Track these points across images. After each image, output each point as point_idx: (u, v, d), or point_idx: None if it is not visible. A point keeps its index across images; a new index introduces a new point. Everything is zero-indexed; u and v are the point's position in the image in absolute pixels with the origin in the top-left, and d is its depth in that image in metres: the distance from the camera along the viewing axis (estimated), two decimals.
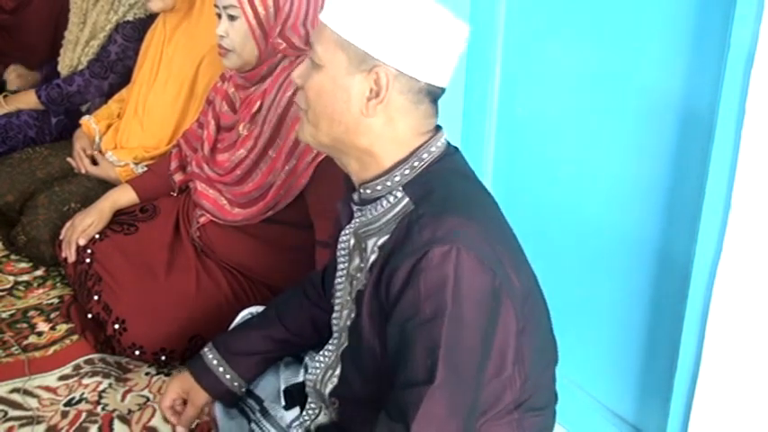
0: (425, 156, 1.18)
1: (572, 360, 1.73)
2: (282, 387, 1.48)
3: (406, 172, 1.18)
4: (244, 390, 1.51)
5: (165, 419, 1.58)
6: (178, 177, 2.21)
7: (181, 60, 2.40)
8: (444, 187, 1.16)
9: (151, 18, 2.59)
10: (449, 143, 1.24)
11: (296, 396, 1.43)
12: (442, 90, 1.20)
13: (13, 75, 3.02)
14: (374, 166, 1.20)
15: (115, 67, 2.70)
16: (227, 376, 1.49)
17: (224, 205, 2.00)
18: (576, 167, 1.68)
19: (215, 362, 1.49)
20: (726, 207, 1.24)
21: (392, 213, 1.17)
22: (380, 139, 1.18)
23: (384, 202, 1.19)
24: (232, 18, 1.81)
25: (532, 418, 1.25)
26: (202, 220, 2.05)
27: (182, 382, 1.52)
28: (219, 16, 1.84)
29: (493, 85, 1.86)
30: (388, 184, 1.18)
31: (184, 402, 1.52)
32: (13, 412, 1.82)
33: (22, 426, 1.78)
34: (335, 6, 1.15)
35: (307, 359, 1.49)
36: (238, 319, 1.62)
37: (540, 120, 1.76)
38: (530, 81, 1.77)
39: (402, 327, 1.11)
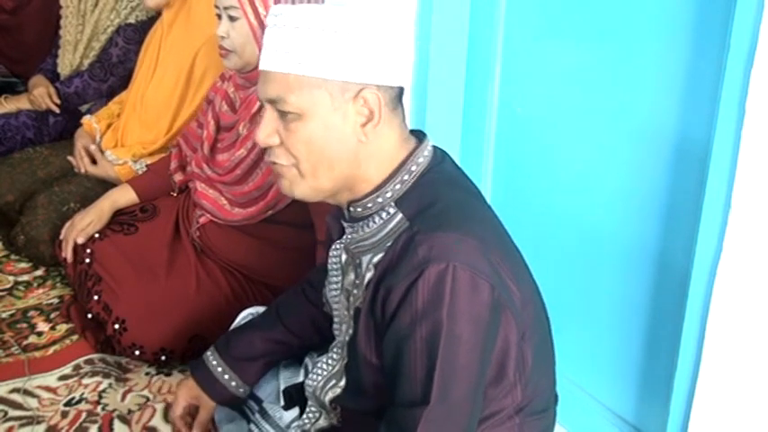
0: (414, 168, 1.16)
1: (572, 360, 1.73)
2: (282, 387, 1.48)
3: (397, 187, 1.16)
4: (247, 393, 1.51)
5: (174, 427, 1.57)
6: (178, 177, 2.21)
7: (177, 52, 2.41)
8: (438, 200, 1.14)
9: (152, 21, 2.60)
10: (436, 148, 1.22)
11: (295, 396, 1.43)
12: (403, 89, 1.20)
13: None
14: (365, 188, 1.17)
15: (115, 69, 2.70)
16: (233, 383, 1.49)
17: (224, 205, 2.00)
18: (576, 167, 1.68)
19: (219, 369, 1.49)
20: (726, 205, 1.24)
21: (386, 230, 1.15)
22: (374, 160, 1.15)
23: (377, 219, 1.17)
24: (233, 19, 1.81)
25: (533, 421, 1.25)
26: (202, 220, 2.05)
27: (190, 390, 1.52)
28: (220, 17, 1.85)
29: (493, 85, 1.86)
30: (380, 200, 1.16)
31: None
32: (13, 412, 1.82)
33: (22, 426, 1.78)
34: (290, 58, 1.09)
35: (307, 360, 1.49)
36: (238, 320, 1.61)
37: (539, 120, 1.76)
38: (529, 81, 1.77)
39: (398, 345, 1.11)
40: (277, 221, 1.96)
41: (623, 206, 1.58)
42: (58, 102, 2.73)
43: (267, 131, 1.15)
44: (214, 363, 1.50)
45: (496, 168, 1.91)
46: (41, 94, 2.72)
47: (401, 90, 1.17)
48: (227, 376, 1.48)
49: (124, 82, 2.68)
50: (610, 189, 1.61)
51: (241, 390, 1.49)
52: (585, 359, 1.73)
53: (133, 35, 2.67)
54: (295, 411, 1.43)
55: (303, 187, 1.17)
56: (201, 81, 2.37)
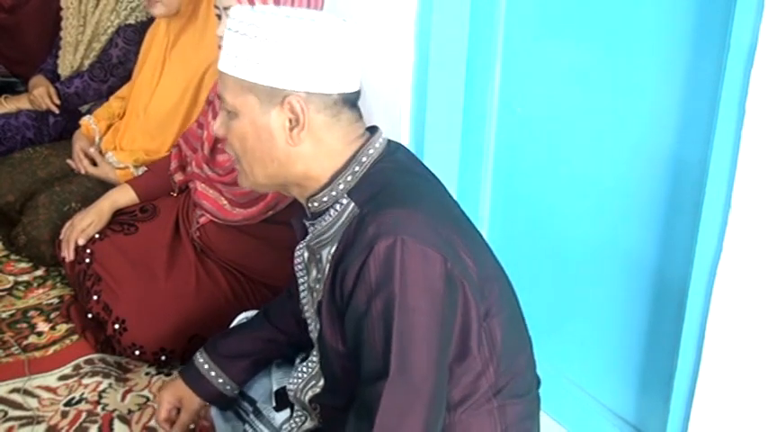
0: (365, 159, 1.20)
1: (572, 360, 1.74)
2: (274, 388, 1.49)
3: (349, 178, 1.19)
4: (236, 392, 1.52)
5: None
6: (178, 177, 2.21)
7: (186, 66, 2.39)
8: (387, 184, 1.17)
9: (153, 21, 2.59)
10: (390, 141, 1.25)
11: (287, 397, 1.44)
12: (357, 93, 1.22)
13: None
14: (315, 184, 1.21)
15: (116, 70, 2.70)
16: (220, 380, 1.50)
17: (224, 205, 2.00)
18: (576, 166, 1.68)
19: (206, 366, 1.51)
20: (726, 205, 1.24)
21: (341, 221, 1.18)
22: (314, 161, 1.19)
23: (332, 212, 1.20)
24: None
25: (514, 405, 1.25)
26: (202, 220, 2.05)
27: (174, 390, 1.54)
28: (219, 17, 1.84)
29: (493, 85, 1.86)
30: (333, 193, 1.19)
31: (179, 411, 1.54)
32: (13, 412, 1.82)
33: (22, 426, 1.78)
34: (227, 54, 1.17)
35: (297, 361, 1.50)
36: (236, 323, 1.62)
37: (539, 120, 1.76)
38: (529, 81, 1.77)
39: (357, 324, 1.12)
40: (277, 221, 1.96)
41: (623, 205, 1.58)
42: (57, 102, 2.73)
43: (219, 123, 1.24)
44: (201, 361, 1.52)
45: (496, 168, 1.91)
46: (41, 94, 2.72)
47: (346, 95, 1.19)
48: (213, 373, 1.50)
49: (124, 83, 2.67)
50: (609, 190, 1.61)
51: (228, 387, 1.50)
52: (585, 359, 1.73)
53: (133, 36, 2.66)
54: (287, 412, 1.44)
55: (245, 180, 1.26)
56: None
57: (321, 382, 1.30)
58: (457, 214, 1.25)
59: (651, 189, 1.51)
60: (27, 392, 1.88)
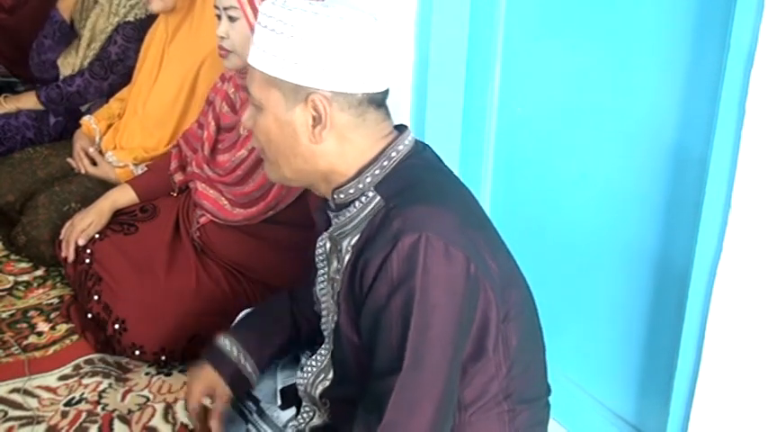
0: (394, 154, 1.20)
1: (572, 360, 1.74)
2: (279, 387, 1.49)
3: (377, 172, 1.19)
4: (255, 378, 1.49)
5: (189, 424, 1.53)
6: (178, 177, 2.21)
7: (182, 61, 2.40)
8: (415, 181, 1.17)
9: (151, 18, 2.59)
10: (417, 140, 1.25)
11: (292, 396, 1.44)
12: (385, 93, 1.21)
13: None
14: (341, 178, 1.21)
15: (115, 67, 2.70)
16: (247, 365, 1.47)
17: (225, 205, 2.00)
18: (576, 166, 1.68)
19: (235, 352, 1.47)
20: (726, 205, 1.24)
21: (365, 212, 1.18)
22: (339, 158, 1.19)
23: (357, 203, 1.19)
24: (232, 19, 1.81)
25: (524, 410, 1.25)
26: (203, 220, 2.05)
27: (205, 381, 1.48)
28: (219, 17, 1.84)
29: (493, 85, 1.86)
30: (360, 186, 1.19)
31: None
32: (13, 412, 1.82)
33: (22, 426, 1.78)
34: (256, 48, 1.17)
35: (303, 359, 1.49)
36: (238, 321, 1.62)
37: (539, 120, 1.76)
38: (529, 81, 1.77)
39: (375, 317, 1.12)
40: (278, 221, 1.96)
41: (623, 205, 1.58)
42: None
43: (247, 115, 1.24)
44: (228, 347, 1.48)
45: (496, 168, 1.91)
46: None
47: (372, 95, 1.18)
48: (242, 359, 1.47)
49: (125, 80, 2.67)
50: (610, 188, 1.61)
51: (250, 371, 1.47)
52: (585, 359, 1.73)
53: (132, 33, 2.66)
54: (292, 411, 1.44)
55: (272, 173, 1.27)
56: (206, 92, 2.36)
57: (330, 375, 1.30)
58: (481, 216, 1.25)
59: (651, 190, 1.51)
60: (27, 392, 1.88)
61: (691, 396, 1.36)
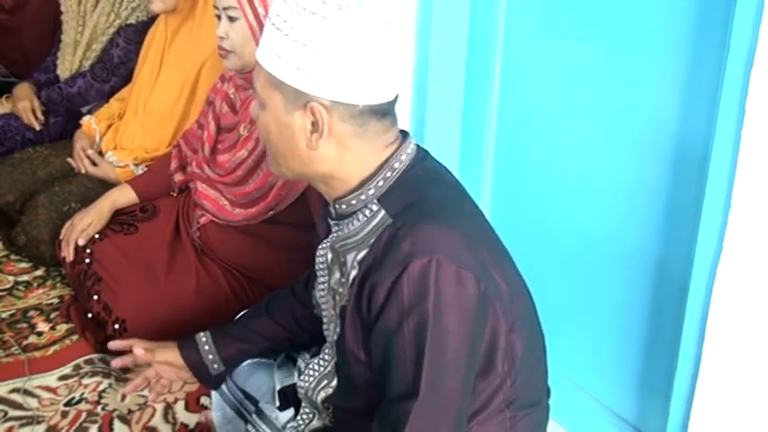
0: (397, 165, 1.18)
1: (572, 360, 1.74)
2: (278, 388, 1.49)
3: (380, 184, 1.17)
4: (219, 372, 1.56)
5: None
6: (178, 177, 2.21)
7: (182, 62, 2.40)
8: (420, 197, 1.15)
9: (153, 21, 2.59)
10: (418, 146, 1.23)
11: (290, 397, 1.44)
12: (390, 103, 1.17)
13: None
14: (342, 186, 1.19)
15: (117, 70, 2.70)
16: (210, 356, 1.56)
17: (225, 205, 2.00)
18: (576, 167, 1.68)
19: (203, 339, 1.57)
20: (726, 206, 1.24)
21: (370, 227, 1.16)
22: (339, 164, 1.17)
23: (360, 216, 1.18)
24: (232, 19, 1.81)
25: (525, 416, 1.25)
26: (203, 220, 2.05)
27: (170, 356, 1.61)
28: (219, 17, 1.84)
29: (493, 85, 1.86)
30: (363, 198, 1.18)
31: None
32: (13, 412, 1.82)
33: (22, 426, 1.78)
34: (264, 45, 1.14)
35: (300, 362, 1.49)
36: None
37: (539, 120, 1.76)
38: (529, 81, 1.77)
39: (386, 341, 1.11)
40: (278, 222, 1.96)
41: (623, 206, 1.58)
42: (41, 117, 2.74)
43: (253, 105, 1.24)
44: (203, 338, 1.58)
45: (496, 168, 1.91)
46: (25, 109, 2.73)
47: (374, 107, 1.14)
48: (207, 347, 1.56)
49: (126, 82, 2.67)
50: (610, 189, 1.61)
51: (214, 364, 1.56)
52: (585, 359, 1.73)
53: (134, 35, 2.66)
54: (290, 412, 1.44)
55: (272, 167, 1.26)
56: (207, 93, 2.36)
57: (334, 382, 1.30)
58: (486, 228, 1.24)
59: (651, 190, 1.51)
60: (27, 392, 1.88)
61: (691, 396, 1.36)
